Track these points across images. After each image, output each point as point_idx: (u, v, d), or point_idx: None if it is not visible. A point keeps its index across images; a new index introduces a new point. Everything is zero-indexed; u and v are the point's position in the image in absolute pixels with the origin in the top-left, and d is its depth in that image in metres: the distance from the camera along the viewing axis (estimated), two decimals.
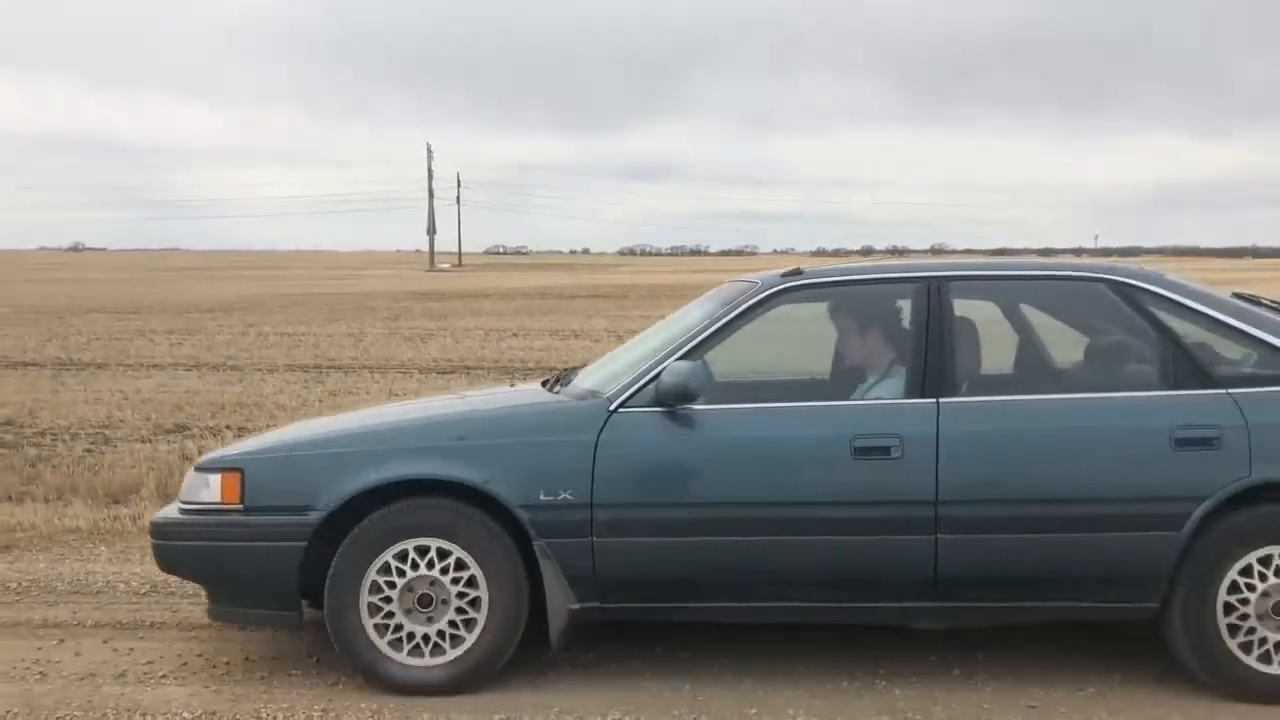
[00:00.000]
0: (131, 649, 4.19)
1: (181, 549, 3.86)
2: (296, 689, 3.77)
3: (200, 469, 3.90)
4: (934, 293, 3.84)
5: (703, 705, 3.62)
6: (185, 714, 3.58)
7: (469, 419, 4.05)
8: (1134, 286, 3.85)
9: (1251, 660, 3.57)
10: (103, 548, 5.58)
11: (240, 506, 3.75)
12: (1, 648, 4.19)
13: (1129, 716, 3.52)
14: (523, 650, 3.86)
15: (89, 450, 8.11)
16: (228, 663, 4.03)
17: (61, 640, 4.29)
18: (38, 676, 3.91)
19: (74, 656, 4.11)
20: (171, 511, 3.95)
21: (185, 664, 4.03)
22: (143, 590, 4.88)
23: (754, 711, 3.58)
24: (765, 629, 4.14)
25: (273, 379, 12.57)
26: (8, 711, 3.60)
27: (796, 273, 4.01)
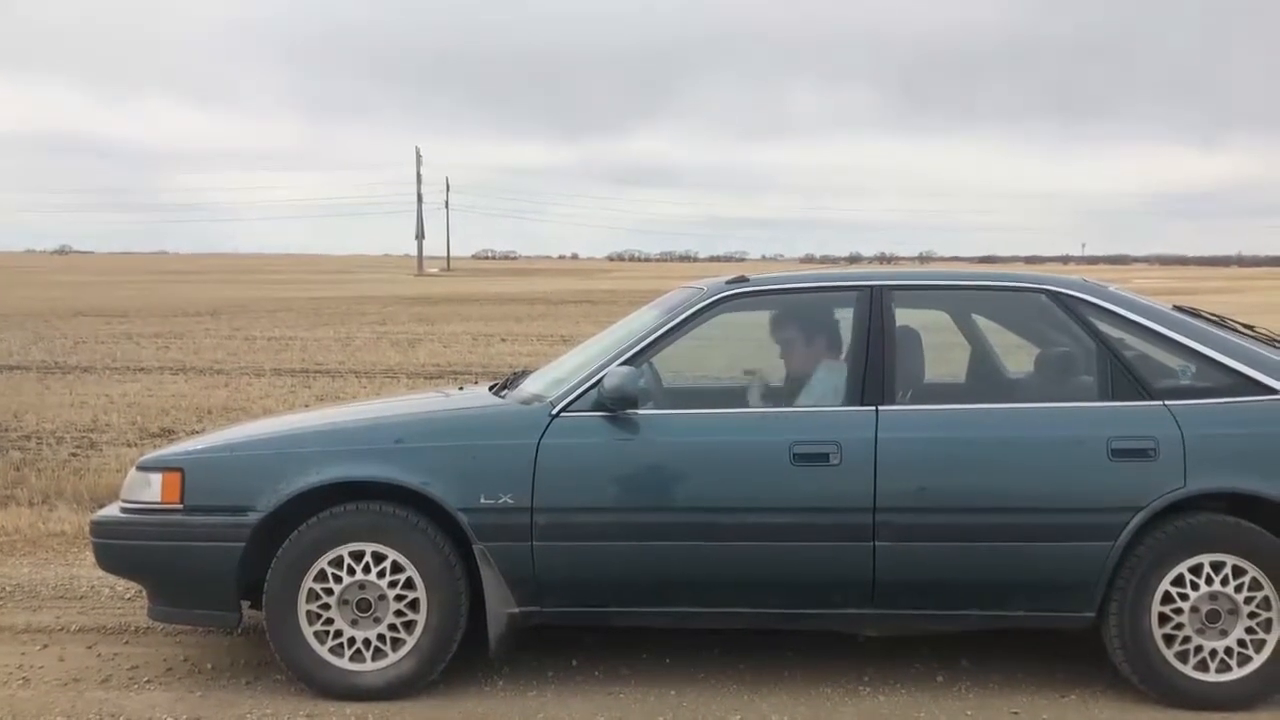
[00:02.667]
0: (116, 654, 4.18)
1: (121, 548, 3.85)
2: (282, 694, 3.76)
3: (141, 468, 3.89)
4: (875, 301, 3.87)
5: (688, 711, 3.63)
6: (169, 719, 3.57)
7: (409, 422, 4.05)
8: (1074, 297, 3.89)
9: (1188, 669, 3.61)
10: (88, 552, 5.54)
11: (180, 506, 3.75)
12: None
13: None
14: (507, 656, 3.87)
15: (74, 454, 8.08)
16: (213, 667, 4.03)
17: (45, 645, 4.28)
18: (21, 682, 3.90)
19: (58, 662, 4.10)
20: (113, 510, 3.94)
21: (170, 669, 4.02)
22: (128, 595, 4.87)
23: (738, 717, 3.59)
24: (750, 635, 4.15)
25: (259, 383, 12.54)
26: None
27: (741, 280, 4.03)
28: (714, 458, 3.71)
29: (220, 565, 3.70)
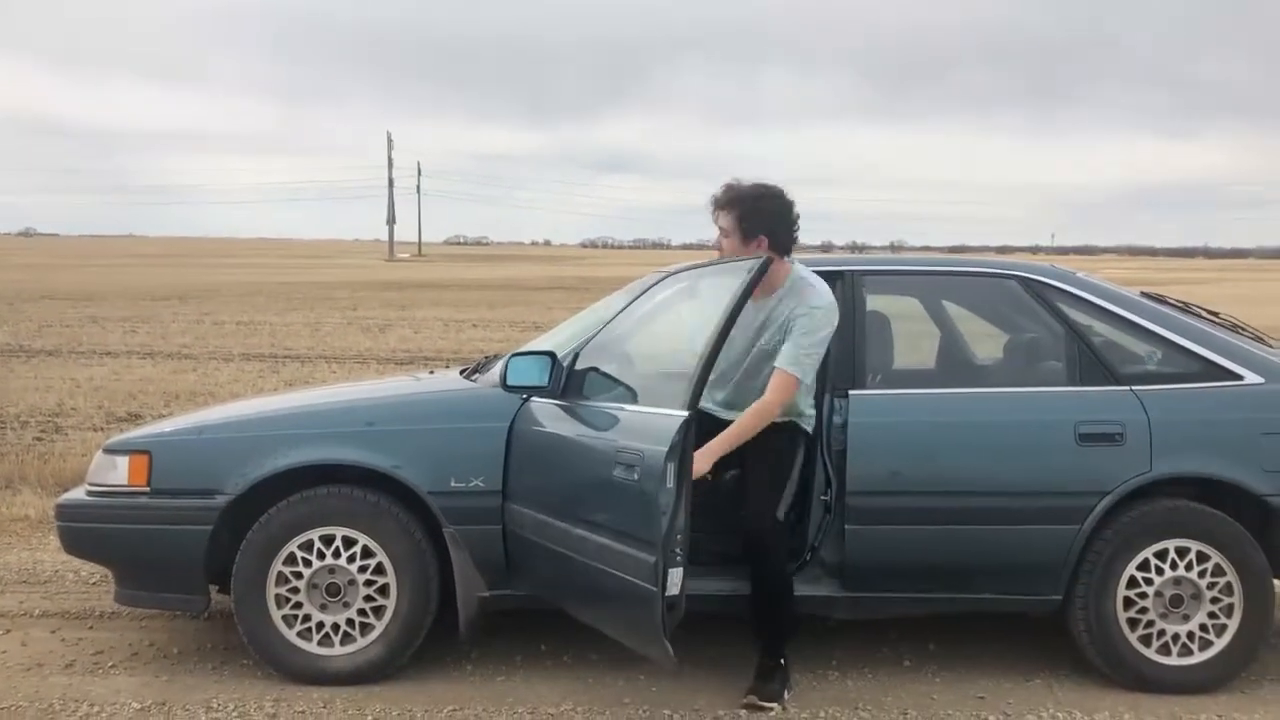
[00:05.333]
0: (80, 639, 4.14)
1: (87, 531, 3.81)
2: (249, 679, 3.74)
3: (108, 450, 3.85)
4: (847, 286, 3.87)
5: (656, 695, 3.64)
6: (135, 704, 3.54)
7: (379, 405, 4.02)
8: (1043, 284, 3.92)
9: (1151, 653, 3.65)
10: (52, 537, 5.48)
11: (147, 489, 3.71)
12: None
13: (1076, 707, 3.58)
14: (476, 641, 3.86)
15: (39, 438, 8.00)
16: (179, 652, 4.00)
17: (8, 630, 4.23)
18: None
19: (20, 646, 4.06)
20: (79, 494, 3.90)
21: (136, 654, 3.99)
22: (93, 580, 4.82)
23: (704, 702, 3.60)
24: (718, 620, 4.15)
25: (228, 368, 12.44)
26: None
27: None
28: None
29: (188, 549, 3.67)
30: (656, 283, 3.94)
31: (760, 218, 3.62)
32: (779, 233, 3.64)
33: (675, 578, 3.08)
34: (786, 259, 3.68)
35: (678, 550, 3.09)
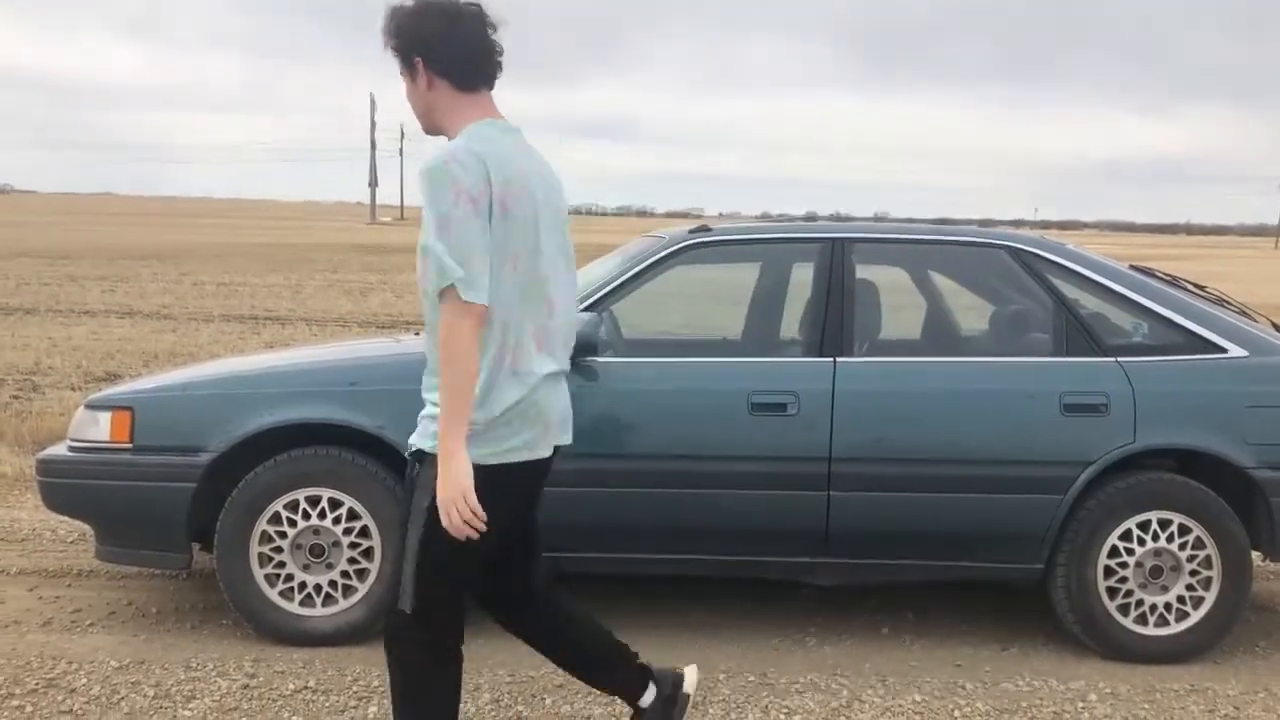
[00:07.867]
0: (58, 597, 4.12)
1: (68, 487, 3.78)
2: (229, 638, 3.73)
3: (90, 406, 3.82)
4: (837, 254, 3.87)
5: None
6: (113, 662, 3.53)
7: (364, 365, 3.97)
8: (1032, 254, 3.92)
9: (1129, 622, 3.69)
10: (29, 495, 5.46)
11: (130, 445, 3.68)
12: None
13: (1052, 675, 3.61)
14: None
15: (16, 397, 7.93)
16: (158, 611, 3.98)
17: None
18: None
19: None
20: (60, 449, 3.87)
21: (114, 613, 3.97)
22: (71, 539, 4.79)
23: (683, 660, 3.59)
24: (702, 586, 4.17)
25: (208, 329, 12.36)
26: None
27: (704, 230, 4.01)
28: (672, 406, 3.69)
29: (170, 506, 3.64)
30: (668, 251, 3.90)
31: (406, 36, 2.37)
32: (439, 52, 2.35)
33: None
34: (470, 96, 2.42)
35: None
